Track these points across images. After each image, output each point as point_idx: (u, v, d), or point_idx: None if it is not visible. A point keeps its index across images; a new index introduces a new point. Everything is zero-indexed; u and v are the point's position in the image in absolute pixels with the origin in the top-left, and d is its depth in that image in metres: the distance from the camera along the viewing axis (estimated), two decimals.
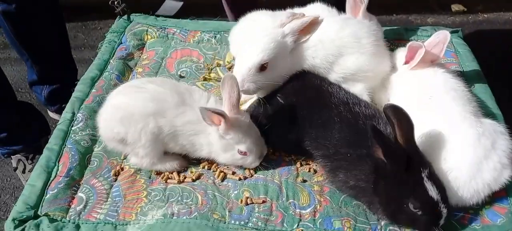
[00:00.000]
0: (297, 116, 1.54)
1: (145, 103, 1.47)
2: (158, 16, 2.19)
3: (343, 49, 1.63)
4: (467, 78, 1.76)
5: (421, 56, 1.57)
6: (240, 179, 1.51)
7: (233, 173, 1.53)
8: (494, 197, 1.40)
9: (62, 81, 2.60)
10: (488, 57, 3.74)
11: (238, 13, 2.69)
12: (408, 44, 1.62)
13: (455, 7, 4.43)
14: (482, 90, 1.74)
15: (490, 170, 1.34)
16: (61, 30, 2.58)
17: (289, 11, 1.70)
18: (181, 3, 4.34)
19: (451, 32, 2.02)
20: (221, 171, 1.53)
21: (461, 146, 1.37)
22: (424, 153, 1.34)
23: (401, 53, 1.71)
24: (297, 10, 1.81)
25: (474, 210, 1.38)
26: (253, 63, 1.53)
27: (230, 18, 2.88)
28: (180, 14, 4.30)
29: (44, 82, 2.64)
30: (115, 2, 2.03)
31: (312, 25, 1.58)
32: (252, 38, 1.58)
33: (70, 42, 4.17)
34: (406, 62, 1.64)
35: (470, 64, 1.87)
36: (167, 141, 1.51)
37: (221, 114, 1.38)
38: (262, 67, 1.55)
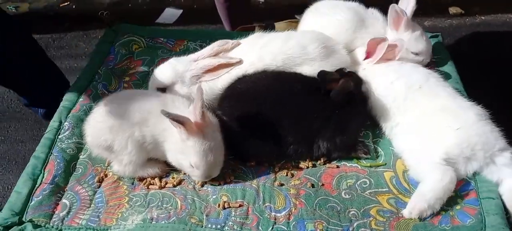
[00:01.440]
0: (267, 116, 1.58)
1: (132, 113, 1.53)
2: (158, 24, 2.25)
3: (289, 60, 1.70)
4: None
5: (384, 50, 1.68)
6: (219, 184, 1.56)
7: (213, 179, 1.57)
8: (465, 198, 1.42)
9: (55, 100, 2.57)
10: (485, 59, 3.75)
11: (234, 22, 2.75)
12: (368, 41, 1.74)
13: (452, 10, 4.43)
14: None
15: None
16: (41, 62, 2.53)
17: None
18: (181, 11, 4.41)
19: (431, 37, 2.06)
20: None
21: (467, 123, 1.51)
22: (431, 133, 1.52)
23: (360, 49, 1.81)
24: None
25: (445, 211, 1.41)
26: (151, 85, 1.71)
27: (227, 27, 2.93)
28: (180, 22, 4.37)
29: (37, 106, 2.68)
30: (104, 13, 2.09)
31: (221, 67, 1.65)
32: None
33: (71, 51, 4.25)
34: (366, 57, 1.75)
35: (448, 68, 1.91)
36: (150, 149, 1.56)
37: (181, 121, 1.42)
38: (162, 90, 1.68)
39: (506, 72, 3.71)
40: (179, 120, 1.41)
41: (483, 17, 4.34)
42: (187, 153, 1.48)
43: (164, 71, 1.69)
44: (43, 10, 4.52)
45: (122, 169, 1.56)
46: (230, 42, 1.73)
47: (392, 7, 1.79)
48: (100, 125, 1.55)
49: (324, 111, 1.59)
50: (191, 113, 1.45)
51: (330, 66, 1.71)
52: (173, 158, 1.54)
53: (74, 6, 4.59)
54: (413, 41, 1.84)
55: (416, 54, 1.84)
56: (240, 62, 1.63)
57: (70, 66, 4.04)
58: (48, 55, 3.72)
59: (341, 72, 1.68)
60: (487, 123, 1.53)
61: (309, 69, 1.70)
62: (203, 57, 1.69)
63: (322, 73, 1.64)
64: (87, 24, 4.28)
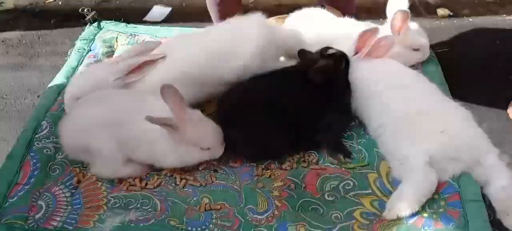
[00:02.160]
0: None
1: (109, 114, 1.49)
2: (145, 22, 2.22)
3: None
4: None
5: (372, 42, 1.68)
6: (201, 185, 1.53)
7: (194, 179, 1.54)
8: (448, 200, 1.41)
9: None
10: (473, 61, 3.76)
11: (224, 20, 2.72)
12: (359, 34, 1.72)
13: (440, 11, 4.44)
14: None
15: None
16: None
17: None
18: (170, 8, 4.37)
19: None
20: (182, 178, 1.54)
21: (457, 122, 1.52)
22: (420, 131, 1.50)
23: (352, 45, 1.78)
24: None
25: (428, 214, 1.39)
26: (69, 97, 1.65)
27: (215, 21, 2.89)
28: (168, 20, 4.32)
29: None
30: (85, 10, 2.04)
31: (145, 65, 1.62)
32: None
33: (57, 48, 4.17)
34: (356, 53, 1.73)
35: (433, 69, 1.90)
36: (130, 150, 1.52)
37: (169, 124, 1.40)
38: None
39: (493, 74, 3.72)
40: (166, 123, 1.38)
41: (471, 19, 4.36)
42: (192, 141, 1.46)
43: (78, 83, 1.65)
44: (29, 7, 4.44)
45: (99, 171, 1.52)
46: (152, 42, 1.68)
47: (398, 12, 1.77)
48: (74, 127, 1.51)
49: (307, 103, 1.59)
50: (173, 114, 1.43)
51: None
52: (174, 156, 1.50)
53: (60, 3, 4.52)
54: (415, 35, 1.82)
55: (417, 50, 1.82)
56: (163, 58, 1.60)
57: (55, 64, 3.97)
58: (32, 52, 3.66)
59: (323, 52, 1.67)
60: (473, 125, 1.52)
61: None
62: (123, 59, 1.64)
63: (301, 52, 1.67)
64: (74, 22, 4.21)
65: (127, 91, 1.63)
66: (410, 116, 1.54)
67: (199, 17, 3.47)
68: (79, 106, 1.55)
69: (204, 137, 1.48)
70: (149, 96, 1.56)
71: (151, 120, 1.37)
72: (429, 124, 1.49)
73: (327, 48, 1.70)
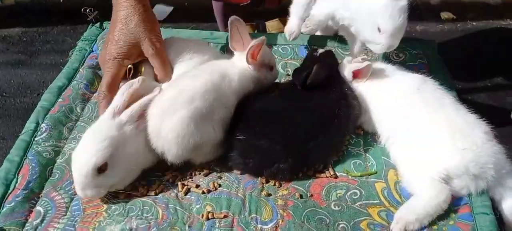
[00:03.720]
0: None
1: (207, 97, 1.47)
2: None
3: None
4: None
5: (370, 71, 1.64)
6: (203, 193, 1.49)
7: (197, 186, 1.51)
8: (458, 213, 1.37)
9: None
10: (477, 65, 3.73)
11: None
12: (353, 62, 1.68)
13: (444, 15, 4.41)
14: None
15: None
16: None
17: (123, 87, 1.53)
18: (171, 8, 4.33)
19: (426, 44, 2.01)
20: (184, 185, 1.50)
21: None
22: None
23: (347, 67, 1.71)
24: None
25: (437, 226, 1.36)
26: (86, 171, 1.37)
27: (221, 28, 2.87)
28: (170, 20, 4.30)
29: None
30: (88, 10, 2.00)
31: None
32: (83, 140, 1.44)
33: (57, 46, 4.16)
34: (354, 78, 1.68)
35: (442, 77, 1.84)
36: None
37: None
38: (100, 170, 1.39)
39: (497, 79, 3.70)
40: None
41: (474, 23, 4.33)
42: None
43: (96, 153, 1.39)
44: (30, 4, 4.41)
45: (208, 157, 1.55)
46: (135, 81, 1.52)
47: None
48: (184, 130, 1.44)
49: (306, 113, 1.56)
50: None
51: None
52: None
53: (62, 0, 4.48)
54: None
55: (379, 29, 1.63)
56: (160, 91, 1.52)
57: (55, 62, 3.95)
58: (33, 49, 3.63)
59: (312, 57, 1.66)
60: (495, 143, 1.45)
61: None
62: (119, 108, 1.47)
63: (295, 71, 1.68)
64: (75, 19, 4.19)
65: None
66: (426, 125, 1.48)
67: (201, 16, 3.44)
68: (182, 106, 1.46)
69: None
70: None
71: None
72: (449, 138, 1.43)
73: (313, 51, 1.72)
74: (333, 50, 1.91)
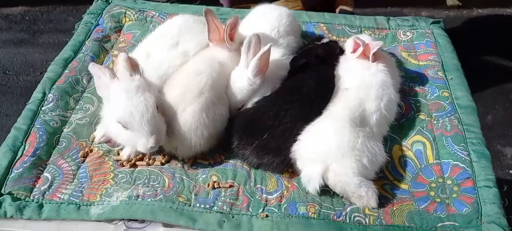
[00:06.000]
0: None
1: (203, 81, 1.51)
2: None
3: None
4: (445, 69, 1.79)
5: (359, 52, 1.66)
6: (209, 163, 1.50)
7: (203, 157, 1.52)
8: (462, 186, 1.39)
9: None
10: (481, 52, 3.73)
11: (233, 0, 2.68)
12: (354, 38, 1.71)
13: (450, 2, 4.39)
14: (459, 82, 1.72)
15: None
16: None
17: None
18: None
19: (433, 23, 2.00)
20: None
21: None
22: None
23: (350, 41, 1.75)
24: None
25: (441, 199, 1.37)
26: None
27: (225, 4, 2.85)
28: None
29: None
30: None
31: None
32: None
33: (60, 25, 4.14)
34: (353, 52, 1.71)
35: (449, 55, 1.84)
36: None
37: None
38: None
39: (499, 66, 3.70)
40: None
41: (480, 10, 4.31)
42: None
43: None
44: None
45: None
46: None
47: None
48: (198, 122, 1.46)
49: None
50: None
51: None
52: None
53: None
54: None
55: None
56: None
57: (58, 41, 3.94)
58: (35, 28, 3.61)
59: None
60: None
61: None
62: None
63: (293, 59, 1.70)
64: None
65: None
66: None
67: None
68: (192, 101, 1.49)
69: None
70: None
71: None
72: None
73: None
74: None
